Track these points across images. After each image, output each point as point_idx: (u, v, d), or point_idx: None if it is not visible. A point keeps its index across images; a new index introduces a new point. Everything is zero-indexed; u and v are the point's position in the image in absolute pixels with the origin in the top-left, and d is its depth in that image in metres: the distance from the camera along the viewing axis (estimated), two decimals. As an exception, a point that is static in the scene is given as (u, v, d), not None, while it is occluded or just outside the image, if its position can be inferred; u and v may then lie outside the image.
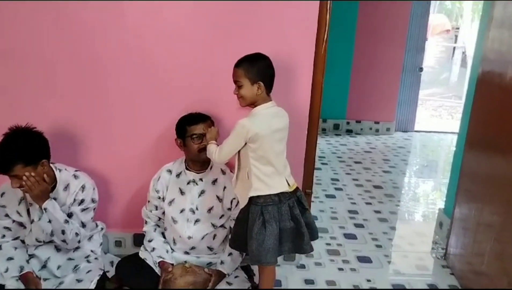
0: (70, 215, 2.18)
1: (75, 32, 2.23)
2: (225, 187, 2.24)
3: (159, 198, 2.26)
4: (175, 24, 2.23)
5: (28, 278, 2.07)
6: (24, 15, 2.19)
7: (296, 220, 1.98)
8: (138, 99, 2.34)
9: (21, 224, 2.14)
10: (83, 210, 2.19)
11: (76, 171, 2.20)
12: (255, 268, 2.27)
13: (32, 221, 2.11)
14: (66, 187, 2.13)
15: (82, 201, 2.18)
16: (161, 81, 2.31)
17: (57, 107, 2.33)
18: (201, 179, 2.24)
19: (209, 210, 2.24)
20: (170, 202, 2.25)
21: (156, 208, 2.30)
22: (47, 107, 2.32)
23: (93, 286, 2.08)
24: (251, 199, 1.96)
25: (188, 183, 2.24)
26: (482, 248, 2.30)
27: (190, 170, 2.24)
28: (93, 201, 2.23)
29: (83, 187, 2.17)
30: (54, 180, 2.10)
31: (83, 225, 2.22)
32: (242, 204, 2.01)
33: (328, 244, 2.91)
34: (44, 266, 2.17)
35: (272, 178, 1.96)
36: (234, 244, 2.13)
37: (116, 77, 2.30)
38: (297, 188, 2.05)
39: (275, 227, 1.93)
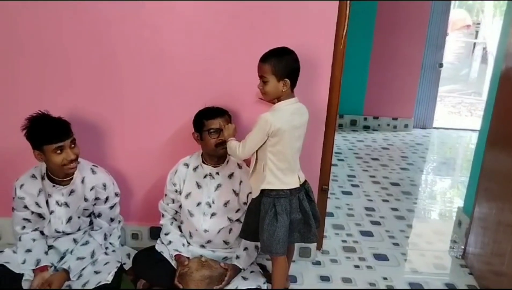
0: (99, 215, 2.23)
1: (92, 26, 2.24)
2: (241, 181, 2.24)
3: (176, 191, 2.27)
4: (192, 18, 2.22)
5: (36, 273, 2.10)
6: (44, 10, 2.21)
7: (304, 212, 2.03)
8: (155, 93, 2.35)
9: (40, 215, 2.18)
10: (111, 207, 2.25)
11: (93, 165, 2.22)
12: (269, 264, 2.27)
13: (51, 212, 2.14)
14: (83, 180, 2.15)
15: (107, 199, 2.22)
16: (178, 75, 2.31)
17: (73, 102, 2.35)
18: (217, 173, 2.24)
19: (225, 204, 2.24)
20: (187, 196, 2.26)
21: (173, 201, 2.31)
22: (64, 101, 2.33)
23: (110, 277, 2.11)
24: (264, 191, 1.99)
25: (205, 176, 2.24)
26: (502, 248, 2.26)
27: (206, 164, 2.24)
28: (116, 195, 2.27)
29: (104, 186, 2.19)
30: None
31: (112, 219, 2.29)
32: (254, 195, 2.04)
33: (344, 241, 2.89)
34: (62, 258, 2.21)
35: (286, 174, 1.98)
36: (245, 234, 2.15)
37: (133, 71, 2.31)
38: (305, 181, 2.08)
39: (286, 219, 1.97)
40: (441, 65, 5.82)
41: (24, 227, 2.18)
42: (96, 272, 2.14)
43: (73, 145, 2.01)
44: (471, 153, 2.88)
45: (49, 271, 2.14)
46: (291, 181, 2.00)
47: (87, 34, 2.25)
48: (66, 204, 2.15)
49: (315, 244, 2.58)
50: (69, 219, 2.18)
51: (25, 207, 2.14)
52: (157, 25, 2.24)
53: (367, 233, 3.01)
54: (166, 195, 2.32)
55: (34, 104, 2.22)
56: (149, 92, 2.35)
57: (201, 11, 2.21)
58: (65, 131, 1.98)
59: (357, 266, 2.61)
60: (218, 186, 2.24)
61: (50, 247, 2.22)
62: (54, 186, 2.11)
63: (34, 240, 2.19)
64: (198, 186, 2.25)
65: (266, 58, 1.91)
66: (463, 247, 2.75)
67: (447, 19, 5.74)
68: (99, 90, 2.35)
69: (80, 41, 2.26)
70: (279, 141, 1.91)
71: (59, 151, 1.96)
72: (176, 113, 2.37)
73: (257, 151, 1.98)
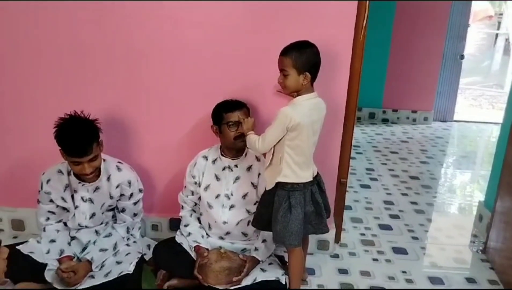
0: (123, 210, 2.27)
1: (113, 22, 2.26)
2: (259, 174, 2.24)
3: (195, 183, 2.29)
4: (212, 12, 2.22)
5: (63, 261, 2.14)
6: (63, 7, 2.24)
7: (317, 204, 2.06)
8: (174, 87, 2.36)
9: (64, 208, 2.22)
10: (134, 203, 2.28)
11: (118, 162, 2.24)
12: (287, 256, 2.28)
13: (76, 207, 2.18)
14: (109, 178, 2.18)
15: (131, 195, 2.25)
16: (197, 68, 2.32)
17: (94, 96, 2.38)
18: (236, 166, 2.25)
19: (244, 196, 2.25)
20: (206, 188, 2.28)
21: (192, 193, 2.33)
22: (84, 96, 2.37)
23: (132, 268, 2.14)
24: (279, 183, 2.00)
25: (224, 169, 2.26)
26: (525, 243, 2.23)
27: (225, 157, 2.25)
28: (140, 191, 2.30)
29: (129, 183, 2.21)
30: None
31: (135, 214, 2.32)
32: (269, 187, 2.05)
33: (362, 234, 2.88)
34: (85, 249, 2.25)
35: (302, 168, 1.99)
36: (257, 224, 2.17)
37: (152, 65, 2.33)
38: (317, 173, 2.09)
39: (300, 211, 1.99)
40: (462, 56, 5.71)
41: (48, 218, 2.23)
42: (118, 263, 2.18)
43: (93, 159, 2.00)
44: (492, 147, 2.84)
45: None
46: (306, 175, 2.01)
47: (108, 30, 2.28)
48: (91, 200, 2.19)
49: (333, 237, 2.58)
50: (93, 214, 2.22)
51: (51, 201, 2.19)
52: (177, 19, 2.24)
53: (385, 227, 2.99)
54: (185, 187, 2.34)
55: (59, 101, 2.28)
56: (168, 85, 2.36)
57: (221, 5, 2.20)
58: (84, 149, 1.94)
59: (375, 260, 2.60)
60: (237, 178, 2.26)
61: (72, 238, 2.27)
62: (79, 182, 2.14)
63: (58, 231, 2.23)
64: (217, 178, 2.27)
65: (287, 51, 1.90)
66: (484, 241, 2.72)
67: (469, 10, 5.62)
68: (119, 85, 2.37)
69: (101, 37, 2.29)
70: (298, 136, 1.91)
71: (76, 164, 1.99)
72: (195, 106, 2.38)
73: (274, 144, 1.99)
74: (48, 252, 2.17)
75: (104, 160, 2.16)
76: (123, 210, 2.28)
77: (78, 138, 1.94)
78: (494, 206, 2.59)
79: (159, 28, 2.26)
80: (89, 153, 1.96)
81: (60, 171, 2.15)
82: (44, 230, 2.23)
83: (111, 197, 2.20)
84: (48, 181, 2.16)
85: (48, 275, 2.11)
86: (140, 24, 2.26)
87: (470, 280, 2.44)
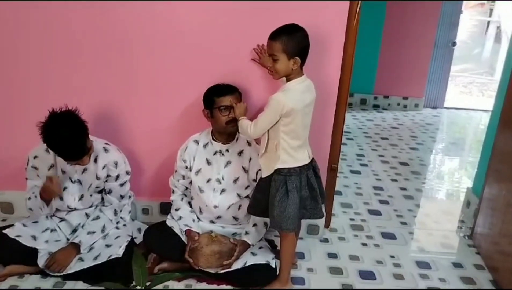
0: (109, 191, 2.26)
1: (103, 4, 2.21)
2: (250, 159, 2.25)
3: (186, 168, 2.29)
4: (205, -7, 2.20)
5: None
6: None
7: (312, 189, 2.06)
8: (165, 70, 2.34)
9: None
10: (121, 185, 2.28)
11: (106, 143, 2.23)
12: (277, 240, 2.30)
13: (64, 189, 2.17)
14: (96, 159, 2.17)
15: (118, 177, 2.24)
16: (189, 52, 2.30)
17: (85, 80, 2.35)
18: (227, 150, 2.25)
19: (235, 180, 2.26)
20: (197, 172, 2.27)
21: (183, 177, 2.33)
22: (75, 79, 2.34)
23: (121, 251, 2.15)
24: (276, 169, 1.98)
25: (215, 153, 2.25)
26: (511, 229, 2.26)
27: (216, 141, 2.25)
28: (127, 173, 2.29)
29: (115, 164, 2.21)
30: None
31: (122, 196, 2.31)
32: (266, 174, 2.04)
33: (352, 219, 2.90)
34: (74, 231, 2.25)
35: (298, 151, 1.99)
36: (253, 210, 2.18)
37: (143, 48, 2.30)
38: (313, 158, 2.09)
39: (296, 196, 1.99)
40: (454, 43, 5.71)
41: (36, 196, 2.20)
42: (107, 246, 2.19)
43: (86, 156, 2.06)
44: (481, 134, 2.86)
45: (62, 242, 2.20)
46: (302, 157, 2.01)
47: (97, 11, 2.23)
48: (79, 182, 2.18)
49: (323, 222, 2.60)
50: (81, 196, 2.22)
51: (38, 176, 2.17)
52: (169, 3, 2.21)
53: (375, 212, 3.02)
54: (176, 171, 2.34)
55: (48, 85, 2.24)
56: (158, 69, 2.34)
57: (213, -14, 2.18)
58: (82, 154, 2.02)
59: (364, 244, 2.62)
60: (228, 163, 2.25)
61: (62, 219, 2.26)
62: (68, 163, 2.13)
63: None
64: (208, 162, 2.26)
65: (277, 35, 1.87)
66: (471, 227, 2.76)
67: (462, -4, 5.61)
68: (109, 68, 2.34)
69: (91, 21, 2.25)
70: (293, 121, 1.91)
71: (74, 163, 2.08)
72: (186, 90, 2.36)
73: (268, 130, 1.98)
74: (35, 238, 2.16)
75: (91, 141, 2.15)
76: (109, 192, 2.27)
77: (74, 149, 1.98)
78: (482, 193, 2.63)
79: (149, 11, 2.22)
80: (86, 152, 2.04)
81: (47, 150, 2.13)
82: (30, 208, 2.20)
83: (97, 178, 2.20)
84: (35, 157, 2.16)
85: (41, 261, 2.10)
86: (130, 7, 2.22)
87: (456, 264, 2.48)
